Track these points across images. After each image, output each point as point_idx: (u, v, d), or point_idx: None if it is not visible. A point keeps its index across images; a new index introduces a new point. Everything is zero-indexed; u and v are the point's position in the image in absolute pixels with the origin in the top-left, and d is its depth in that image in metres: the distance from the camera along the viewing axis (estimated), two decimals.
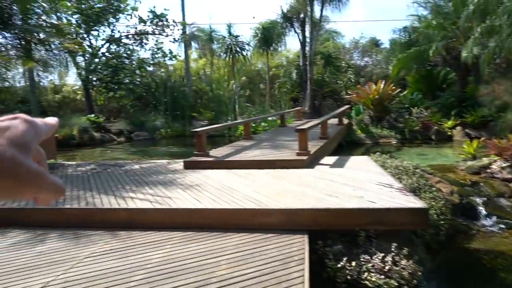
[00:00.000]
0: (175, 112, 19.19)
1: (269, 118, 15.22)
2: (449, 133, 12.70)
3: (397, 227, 3.65)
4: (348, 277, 3.39)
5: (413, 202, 3.78)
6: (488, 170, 6.30)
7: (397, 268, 3.37)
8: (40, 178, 0.34)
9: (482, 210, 5.15)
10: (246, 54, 22.36)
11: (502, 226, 4.88)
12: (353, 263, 3.47)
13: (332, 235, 3.82)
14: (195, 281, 2.64)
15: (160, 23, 19.04)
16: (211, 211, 3.89)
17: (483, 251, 4.23)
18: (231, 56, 21.71)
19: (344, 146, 10.44)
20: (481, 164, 6.51)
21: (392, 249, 3.50)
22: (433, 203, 4.73)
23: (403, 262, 3.42)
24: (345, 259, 3.48)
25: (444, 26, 14.66)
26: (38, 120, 0.37)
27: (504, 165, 6.12)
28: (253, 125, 13.98)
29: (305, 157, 5.93)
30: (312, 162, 6.08)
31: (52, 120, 0.40)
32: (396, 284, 3.29)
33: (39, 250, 3.51)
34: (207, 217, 3.87)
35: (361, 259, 3.49)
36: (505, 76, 15.71)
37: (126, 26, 19.93)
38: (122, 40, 19.93)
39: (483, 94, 14.21)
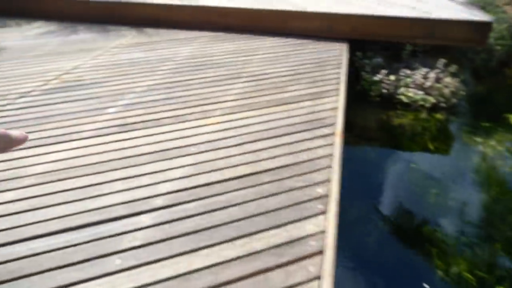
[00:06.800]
0: None
1: None
2: None
3: (449, 42, 3.24)
4: (384, 90, 3.23)
5: (475, 14, 3.25)
6: None
7: (439, 85, 3.15)
8: None
9: None
10: None
11: None
12: (392, 77, 3.25)
13: (374, 47, 3.50)
14: (226, 74, 2.53)
15: None
16: (241, 11, 3.52)
17: None
18: None
19: None
20: None
21: (438, 66, 3.21)
22: (495, 25, 4.13)
23: (448, 79, 3.17)
24: (383, 72, 3.26)
25: None
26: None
27: None
28: None
29: None
30: None
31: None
32: (434, 100, 3.13)
33: (66, 40, 3.43)
34: (236, 17, 3.53)
35: (401, 74, 3.25)
36: None
37: None
38: None
39: None
